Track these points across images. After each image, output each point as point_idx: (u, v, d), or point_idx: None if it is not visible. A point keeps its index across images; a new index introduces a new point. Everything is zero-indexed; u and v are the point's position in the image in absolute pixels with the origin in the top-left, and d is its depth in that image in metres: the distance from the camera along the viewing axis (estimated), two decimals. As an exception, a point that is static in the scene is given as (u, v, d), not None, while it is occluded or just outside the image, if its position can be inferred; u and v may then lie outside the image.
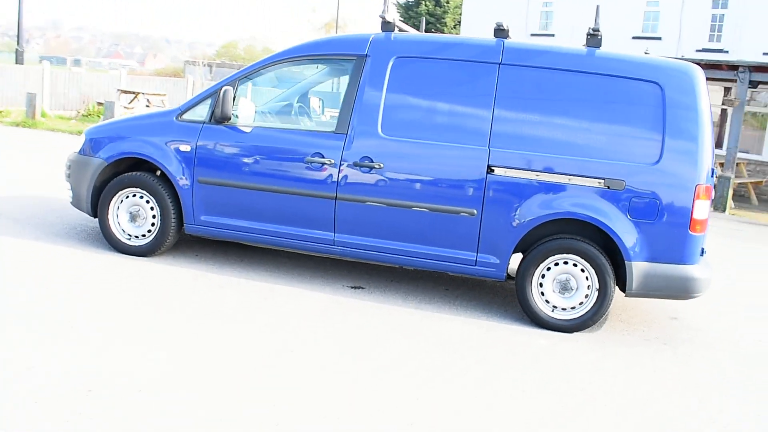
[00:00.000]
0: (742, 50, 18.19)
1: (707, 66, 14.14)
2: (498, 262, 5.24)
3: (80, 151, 6.05)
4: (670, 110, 5.04)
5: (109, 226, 5.93)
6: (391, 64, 5.41)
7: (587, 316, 5.14)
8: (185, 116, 5.79)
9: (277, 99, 6.02)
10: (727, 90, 18.53)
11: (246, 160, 5.61)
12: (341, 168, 5.37)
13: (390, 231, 5.40)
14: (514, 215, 5.15)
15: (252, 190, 5.59)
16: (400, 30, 5.98)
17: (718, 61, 15.01)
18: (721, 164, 14.29)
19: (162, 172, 5.87)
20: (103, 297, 4.84)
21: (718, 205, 13.59)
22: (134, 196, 5.88)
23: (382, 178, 5.32)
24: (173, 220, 5.80)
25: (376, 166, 5.30)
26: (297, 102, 5.94)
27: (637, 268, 5.03)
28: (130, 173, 5.86)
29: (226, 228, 5.72)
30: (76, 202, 6.15)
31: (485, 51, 5.35)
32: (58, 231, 6.43)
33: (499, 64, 5.29)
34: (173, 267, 5.71)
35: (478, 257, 5.28)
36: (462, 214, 5.24)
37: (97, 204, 5.97)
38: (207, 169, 5.66)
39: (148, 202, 5.85)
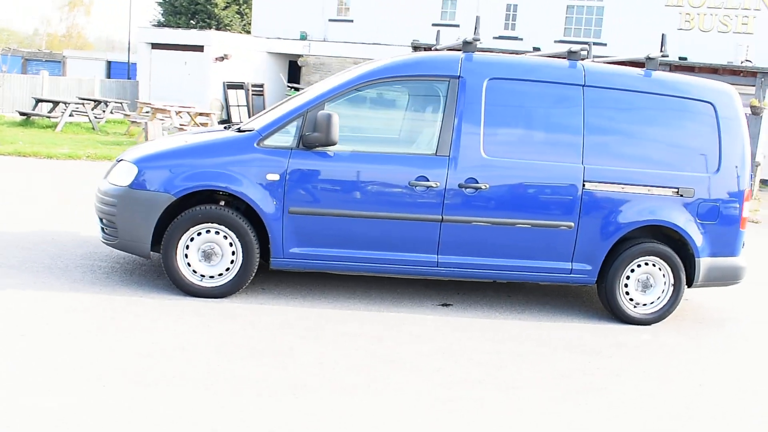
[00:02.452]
0: (537, 36, 20.35)
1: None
2: (590, 269, 5.68)
3: (133, 184, 5.24)
4: (723, 126, 5.84)
5: (178, 267, 5.26)
6: (485, 85, 5.51)
7: (664, 309, 5.81)
8: (268, 141, 5.31)
9: (367, 121, 5.75)
10: None
11: (343, 186, 5.34)
12: (447, 190, 5.39)
13: (492, 248, 5.55)
14: (606, 225, 5.62)
15: (351, 217, 5.36)
16: (451, 49, 6.06)
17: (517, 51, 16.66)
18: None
19: (238, 204, 5.34)
20: (228, 353, 4.41)
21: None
22: (208, 232, 5.28)
23: (487, 197, 5.45)
24: (257, 257, 5.33)
25: (482, 187, 5.40)
26: (390, 124, 5.74)
27: (703, 264, 5.81)
28: (203, 207, 5.24)
29: (321, 259, 5.41)
30: (123, 244, 5.34)
31: (570, 73, 5.68)
32: (91, 274, 5.54)
33: (583, 86, 5.68)
34: (257, 306, 5.27)
35: (573, 266, 5.67)
36: (561, 227, 5.58)
37: (157, 243, 5.27)
38: (300, 199, 5.28)
39: (225, 237, 5.29)
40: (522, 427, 3.78)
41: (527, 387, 4.33)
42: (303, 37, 24.06)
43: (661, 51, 5.97)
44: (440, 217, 5.41)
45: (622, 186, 5.63)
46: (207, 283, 5.32)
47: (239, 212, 5.30)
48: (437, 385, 4.21)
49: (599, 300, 6.00)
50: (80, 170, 11.31)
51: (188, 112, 15.19)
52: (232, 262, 5.31)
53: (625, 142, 5.72)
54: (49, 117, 16.11)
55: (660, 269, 5.78)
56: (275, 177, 5.25)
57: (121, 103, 17.67)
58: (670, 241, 5.84)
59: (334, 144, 5.17)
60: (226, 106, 21.47)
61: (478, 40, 5.55)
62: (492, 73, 5.55)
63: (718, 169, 5.80)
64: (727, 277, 5.95)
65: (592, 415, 4.03)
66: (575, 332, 5.45)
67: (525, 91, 5.62)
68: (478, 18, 5.63)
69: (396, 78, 5.52)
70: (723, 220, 5.82)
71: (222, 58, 21.10)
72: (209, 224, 5.24)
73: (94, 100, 17.20)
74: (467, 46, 5.66)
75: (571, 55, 5.82)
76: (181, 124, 14.68)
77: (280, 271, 5.89)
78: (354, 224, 5.37)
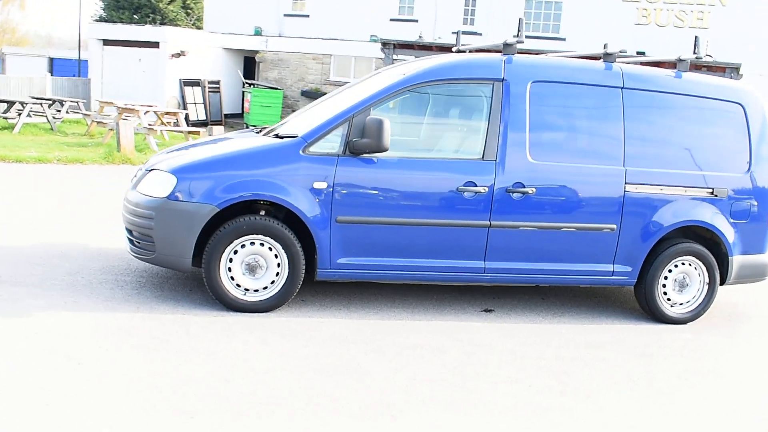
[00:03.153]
0: (495, 34, 20.47)
1: (439, 49, 15.92)
2: (631, 270, 5.69)
3: (172, 195, 4.95)
4: (752, 126, 5.93)
5: (221, 282, 5.01)
6: (528, 88, 5.44)
7: (700, 308, 5.87)
8: (313, 148, 5.10)
9: (411, 126, 5.57)
10: None
11: (391, 193, 5.18)
12: (494, 195, 5.29)
13: (538, 253, 5.49)
14: (647, 227, 5.63)
15: (399, 225, 5.20)
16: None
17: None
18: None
19: (277, 214, 5.13)
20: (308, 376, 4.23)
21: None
22: (252, 244, 5.04)
23: (534, 202, 5.38)
24: (303, 268, 5.13)
25: (529, 192, 5.33)
26: (434, 128, 5.58)
27: (736, 262, 5.90)
28: (248, 218, 5.00)
29: (368, 268, 5.24)
30: (161, 258, 5.05)
31: (609, 76, 5.66)
32: (120, 291, 5.23)
33: (622, 88, 5.67)
34: (306, 320, 5.07)
35: (614, 268, 5.66)
36: (604, 230, 5.56)
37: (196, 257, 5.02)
38: (347, 207, 5.10)
39: (270, 249, 5.07)
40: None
41: (604, 394, 4.29)
42: (257, 33, 23.60)
43: (694, 53, 6.01)
44: (488, 222, 5.32)
45: (661, 188, 5.65)
46: (251, 297, 5.09)
47: (282, 222, 5.09)
48: (523, 396, 4.13)
49: (636, 300, 6.02)
50: (55, 174, 10.76)
51: (155, 112, 14.66)
52: (277, 274, 5.10)
53: (661, 143, 5.74)
54: (5, 118, 15.30)
55: (696, 269, 5.83)
56: (323, 185, 5.05)
57: (77, 102, 16.94)
58: (703, 241, 5.90)
59: (385, 150, 5.00)
60: (183, 104, 20.87)
61: (522, 41, 5.47)
62: (535, 76, 5.48)
63: (748, 169, 5.89)
64: (757, 274, 6.06)
65: (685, 419, 4.01)
66: (619, 334, 5.45)
67: (567, 94, 5.58)
68: (521, 20, 5.54)
69: (440, 81, 5.38)
70: (753, 218, 5.91)
71: (178, 55, 20.49)
72: (254, 236, 5.01)
73: (50, 100, 16.43)
74: (508, 48, 5.57)
75: (606, 57, 5.81)
76: (149, 124, 14.15)
77: (316, 282, 5.69)
78: (402, 232, 5.23)
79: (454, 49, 6.75)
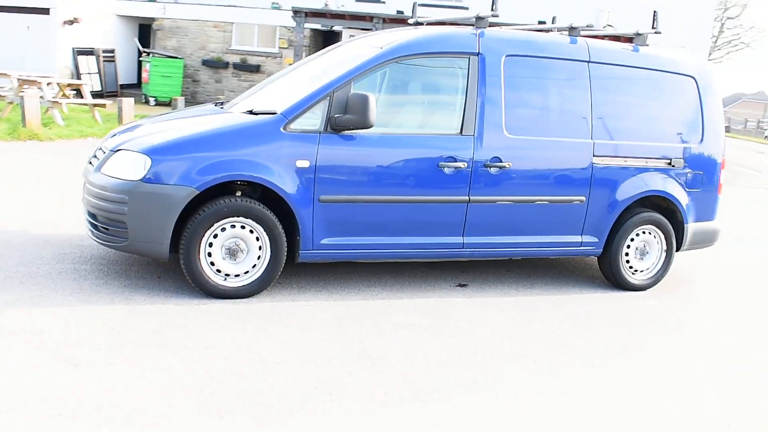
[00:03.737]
0: (398, 1, 20.24)
1: (353, 17, 15.62)
2: (597, 240, 5.84)
3: (147, 178, 4.61)
4: (704, 98, 6.19)
5: (201, 267, 4.75)
6: (503, 62, 5.41)
7: (659, 274, 6.13)
8: (294, 125, 4.87)
9: (390, 101, 5.37)
10: None
11: (374, 170, 5.06)
12: (473, 170, 5.27)
13: (513, 227, 5.54)
14: (612, 198, 5.79)
15: (382, 203, 5.10)
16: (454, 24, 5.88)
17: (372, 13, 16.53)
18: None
19: (258, 194, 4.89)
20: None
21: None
22: (233, 227, 4.79)
23: (510, 176, 5.40)
24: (285, 250, 4.93)
25: (506, 166, 5.35)
26: (412, 103, 5.42)
27: (690, 229, 6.19)
28: (228, 200, 4.73)
29: (350, 248, 5.11)
30: (134, 246, 4.72)
31: (576, 50, 5.72)
32: (86, 282, 4.86)
33: (588, 62, 5.75)
34: (291, 304, 4.91)
35: (582, 239, 5.80)
36: (574, 202, 5.67)
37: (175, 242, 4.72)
38: (330, 186, 4.93)
39: (252, 232, 4.83)
40: (662, 408, 3.86)
41: (605, 363, 4.42)
42: (152, -1, 22.38)
43: (653, 27, 6.18)
44: (467, 198, 5.30)
45: (625, 159, 5.82)
46: (232, 283, 4.86)
47: (265, 204, 4.86)
48: (537, 372, 4.19)
49: (598, 269, 6.22)
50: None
51: (58, 83, 13.63)
52: (258, 258, 4.89)
53: (623, 116, 5.89)
54: None
55: (655, 237, 6.08)
56: (305, 164, 4.86)
57: (-40, 73, 15.49)
58: (660, 209, 6.15)
59: (370, 127, 4.85)
60: (77, 74, 19.55)
61: (496, 15, 5.43)
62: (508, 50, 5.47)
63: (701, 140, 6.16)
64: (707, 240, 6.39)
65: (692, 385, 4.19)
66: (593, 303, 5.62)
67: (538, 67, 5.60)
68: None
69: (419, 55, 5.26)
70: (705, 187, 6.22)
71: (71, 22, 19.09)
72: (235, 218, 4.77)
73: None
74: (480, 21, 5.52)
75: (572, 31, 5.88)
76: (53, 97, 13.15)
77: (288, 264, 5.49)
78: (384, 210, 5.13)
79: (410, 21, 6.62)
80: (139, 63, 21.36)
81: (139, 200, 4.63)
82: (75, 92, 15.03)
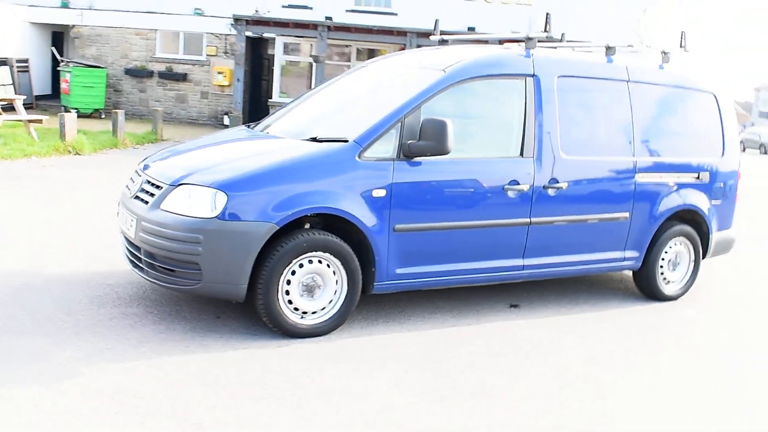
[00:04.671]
0: (327, 6, 20.02)
1: (297, 25, 15.50)
2: (638, 255, 5.94)
3: (224, 214, 4.28)
4: (723, 113, 6.42)
5: (279, 306, 4.47)
6: (555, 83, 5.40)
7: (689, 284, 6.31)
8: (368, 153, 4.66)
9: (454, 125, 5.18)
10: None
11: (444, 197, 4.93)
12: (533, 192, 5.23)
13: (567, 246, 5.55)
14: (652, 213, 5.90)
15: (452, 229, 4.98)
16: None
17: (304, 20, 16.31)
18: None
19: (320, 226, 4.65)
20: None
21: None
22: (311, 262, 4.54)
23: (566, 197, 5.39)
24: (361, 284, 4.72)
25: (562, 187, 5.34)
26: (473, 126, 5.27)
27: (714, 239, 6.40)
28: (307, 234, 4.47)
29: (423, 277, 4.96)
30: (209, 287, 4.38)
31: (617, 70, 5.79)
32: (133, 330, 4.48)
33: (627, 81, 5.83)
34: (370, 339, 4.71)
35: (625, 254, 5.88)
36: (620, 219, 5.74)
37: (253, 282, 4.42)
38: (405, 214, 4.76)
39: (329, 266, 4.59)
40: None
41: (687, 376, 4.49)
42: (64, 5, 21.15)
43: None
44: (528, 220, 5.26)
45: (660, 175, 5.95)
46: (309, 321, 4.61)
47: (341, 236, 4.64)
48: (646, 386, 4.19)
49: (634, 282, 6.32)
50: None
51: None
52: (335, 293, 4.66)
53: (658, 133, 6.02)
54: None
55: (685, 248, 6.26)
56: (381, 193, 4.66)
57: None
58: (687, 221, 6.32)
59: (447, 153, 4.72)
60: (-10, 86, 18.20)
61: (551, 37, 5.41)
62: (560, 71, 5.46)
63: (723, 153, 6.39)
64: (727, 248, 6.63)
65: None
66: (638, 315, 5.73)
67: (586, 88, 5.64)
68: (548, 14, 5.46)
69: (480, 78, 5.15)
70: (726, 198, 6.45)
71: (-17, 30, 17.76)
72: (312, 253, 4.52)
73: None
74: (530, 42, 5.49)
75: (608, 51, 5.94)
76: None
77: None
78: (455, 236, 5.01)
79: (432, 38, 6.53)
80: (55, 73, 20.15)
81: (216, 239, 4.30)
82: (4, 105, 13.95)
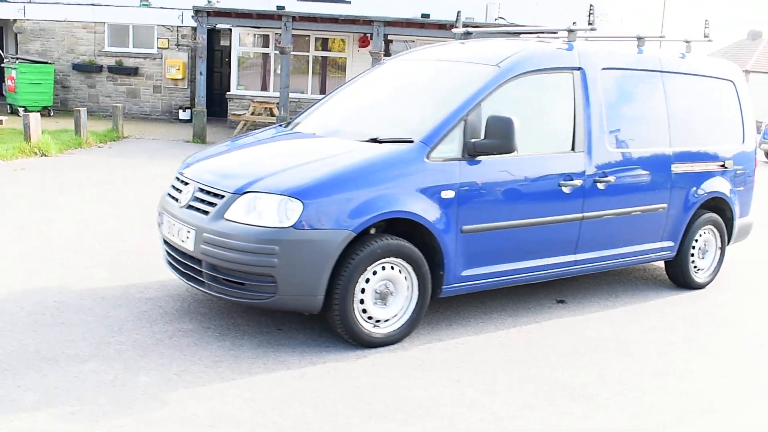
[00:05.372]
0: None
1: (260, 16, 15.05)
2: (673, 245, 5.99)
3: (299, 223, 4.06)
4: (741, 101, 6.52)
5: (355, 316, 4.30)
6: (599, 76, 5.35)
7: (716, 271, 6.40)
8: (435, 153, 4.51)
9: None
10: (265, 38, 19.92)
11: (507, 195, 4.82)
12: (585, 187, 5.18)
13: (613, 239, 5.53)
14: (686, 203, 5.95)
15: (515, 228, 4.88)
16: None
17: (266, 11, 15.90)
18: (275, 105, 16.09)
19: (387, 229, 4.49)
20: None
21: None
22: (383, 269, 4.37)
23: (613, 190, 5.37)
24: (431, 289, 4.58)
25: (610, 180, 5.31)
26: (527, 121, 5.12)
27: (737, 225, 6.52)
28: (382, 240, 4.29)
29: (488, 278, 4.86)
30: (284, 300, 4.17)
31: (652, 60, 5.79)
32: (210, 346, 4.24)
33: (661, 72, 5.84)
34: (442, 345, 4.59)
35: (662, 245, 5.92)
36: (659, 210, 5.76)
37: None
38: (471, 215, 4.64)
39: (400, 272, 4.44)
40: None
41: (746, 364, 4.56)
42: (2, -2, 20.04)
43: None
44: (581, 215, 5.21)
45: (692, 165, 6.00)
46: (383, 330, 4.45)
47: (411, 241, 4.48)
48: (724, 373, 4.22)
49: (666, 271, 6.36)
50: None
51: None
52: (406, 299, 4.51)
53: (689, 122, 6.05)
54: None
55: (713, 236, 6.34)
56: (450, 194, 4.53)
57: None
58: (712, 208, 6.40)
59: (513, 151, 4.61)
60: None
61: (594, 29, 5.36)
62: (603, 64, 5.42)
63: (743, 141, 6.50)
64: (746, 234, 6.77)
65: None
66: (678, 304, 5.78)
67: (626, 80, 5.62)
68: (592, 6, 5.40)
69: (532, 72, 5.05)
70: (747, 185, 6.57)
71: None
72: (386, 259, 4.36)
73: None
74: (571, 34, 5.42)
75: (639, 41, 5.93)
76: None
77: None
78: (517, 234, 4.92)
79: (455, 31, 6.40)
80: (3, 70, 19.08)
81: (292, 250, 4.08)
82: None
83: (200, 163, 4.98)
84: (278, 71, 19.58)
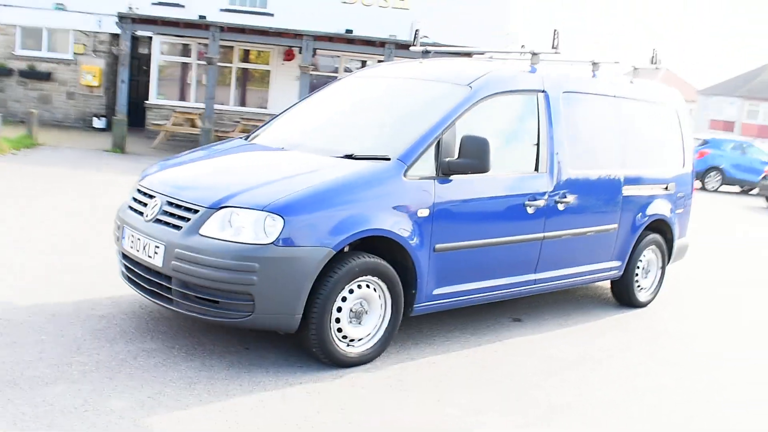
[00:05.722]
0: (201, 4, 19.10)
1: (187, 25, 14.69)
2: (620, 264, 6.19)
3: (280, 240, 3.94)
4: (682, 126, 6.84)
5: (332, 335, 4.21)
6: (561, 99, 5.49)
7: (657, 290, 6.65)
8: (411, 172, 4.48)
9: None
10: (185, 47, 19.46)
11: (477, 214, 4.87)
12: (547, 207, 5.29)
13: (570, 259, 5.67)
14: (633, 224, 6.17)
15: (483, 247, 4.92)
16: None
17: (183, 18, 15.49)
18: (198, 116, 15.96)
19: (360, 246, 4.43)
20: None
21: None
22: (359, 287, 4.30)
23: (572, 211, 5.50)
24: (403, 307, 4.54)
25: (569, 201, 5.45)
26: (493, 142, 5.14)
27: (676, 246, 6.81)
28: (359, 258, 4.22)
29: (457, 296, 4.87)
30: (261, 319, 4.03)
31: (606, 85, 5.98)
32: (202, 369, 4.04)
33: (615, 96, 6.05)
34: (415, 364, 4.56)
35: (611, 264, 6.11)
36: (610, 231, 5.95)
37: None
38: (444, 234, 4.64)
39: (374, 290, 4.38)
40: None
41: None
42: None
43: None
44: (542, 235, 5.32)
45: (640, 187, 6.24)
46: (358, 349, 4.38)
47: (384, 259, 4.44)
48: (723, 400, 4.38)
49: (611, 291, 6.56)
50: None
51: None
52: (380, 317, 4.46)
53: (633, 146, 6.27)
54: None
55: (656, 256, 6.61)
56: (425, 213, 4.52)
57: None
58: (657, 230, 6.65)
59: (487, 171, 4.65)
60: None
61: (558, 53, 5.48)
62: (564, 87, 5.57)
63: (683, 164, 6.82)
64: (682, 254, 7.08)
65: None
66: (631, 322, 5.97)
67: (584, 103, 5.78)
68: (556, 31, 5.52)
69: (501, 93, 5.11)
70: (685, 207, 6.89)
71: None
72: (362, 278, 4.29)
73: None
74: (534, 57, 5.54)
75: (594, 66, 6.13)
76: None
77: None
78: (485, 253, 4.96)
79: (413, 49, 6.44)
80: None
81: (272, 267, 3.96)
82: None
83: (163, 174, 4.78)
84: (201, 81, 19.21)
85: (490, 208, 4.95)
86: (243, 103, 20.09)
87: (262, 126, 5.72)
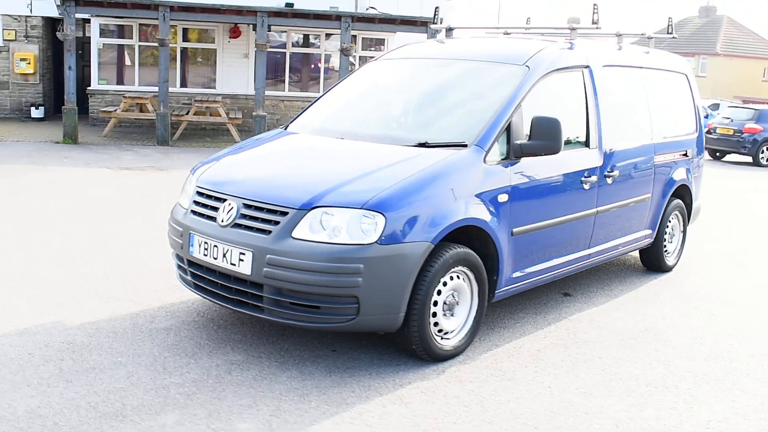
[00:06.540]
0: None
1: (135, 6, 14.04)
2: (651, 232, 6.30)
3: (383, 238, 3.79)
4: (693, 92, 6.96)
5: (430, 330, 4.12)
6: (603, 73, 5.47)
7: (680, 253, 6.84)
8: (489, 157, 4.39)
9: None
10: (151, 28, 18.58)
11: (547, 194, 4.85)
12: (599, 182, 5.30)
13: (614, 231, 5.72)
14: (663, 191, 6.28)
15: (553, 226, 4.92)
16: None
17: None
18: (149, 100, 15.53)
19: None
20: None
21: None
22: (452, 279, 4.21)
23: (617, 184, 5.54)
24: (488, 296, 4.49)
25: (615, 174, 5.48)
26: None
27: (693, 208, 6.98)
28: (453, 250, 4.12)
29: (531, 277, 4.86)
30: (365, 321, 3.89)
31: (635, 57, 6.02)
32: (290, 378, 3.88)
33: (641, 68, 6.08)
34: (494, 356, 4.53)
35: (645, 233, 6.21)
36: (646, 200, 6.04)
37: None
38: (520, 216, 4.59)
39: (464, 280, 4.29)
40: None
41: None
42: None
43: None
44: (596, 210, 5.34)
45: (666, 155, 6.34)
46: (451, 341, 4.31)
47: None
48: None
49: (640, 258, 6.68)
50: None
51: None
52: (469, 307, 4.39)
53: (659, 115, 6.37)
54: None
55: (678, 221, 6.76)
56: (505, 197, 4.45)
57: None
58: (678, 195, 6.77)
59: (559, 152, 4.60)
60: None
61: (599, 27, 5.45)
62: (603, 61, 5.56)
63: (696, 130, 6.96)
64: (696, 216, 7.27)
65: None
66: (664, 287, 6.10)
67: (619, 77, 5.80)
68: (595, 5, 5.46)
69: (556, 71, 5.03)
70: (699, 171, 7.05)
71: None
72: (455, 269, 4.20)
73: None
74: (573, 32, 5.50)
75: (618, 38, 6.13)
76: None
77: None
78: (554, 233, 4.96)
79: (433, 26, 6.30)
80: None
81: (377, 267, 3.82)
82: None
83: (225, 173, 4.54)
84: (144, 64, 18.42)
85: (556, 188, 4.94)
86: (187, 84, 19.38)
87: (299, 115, 5.50)
